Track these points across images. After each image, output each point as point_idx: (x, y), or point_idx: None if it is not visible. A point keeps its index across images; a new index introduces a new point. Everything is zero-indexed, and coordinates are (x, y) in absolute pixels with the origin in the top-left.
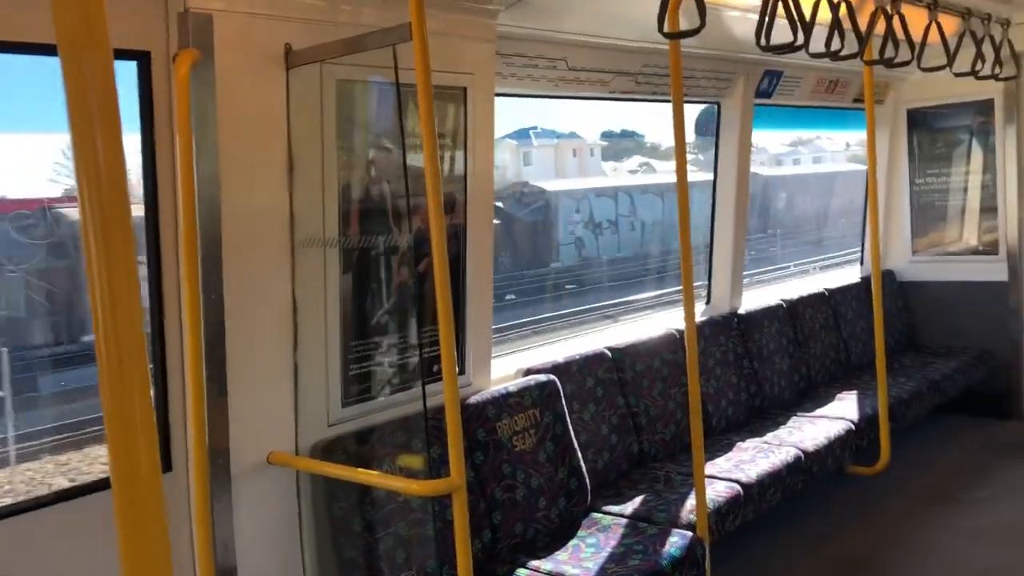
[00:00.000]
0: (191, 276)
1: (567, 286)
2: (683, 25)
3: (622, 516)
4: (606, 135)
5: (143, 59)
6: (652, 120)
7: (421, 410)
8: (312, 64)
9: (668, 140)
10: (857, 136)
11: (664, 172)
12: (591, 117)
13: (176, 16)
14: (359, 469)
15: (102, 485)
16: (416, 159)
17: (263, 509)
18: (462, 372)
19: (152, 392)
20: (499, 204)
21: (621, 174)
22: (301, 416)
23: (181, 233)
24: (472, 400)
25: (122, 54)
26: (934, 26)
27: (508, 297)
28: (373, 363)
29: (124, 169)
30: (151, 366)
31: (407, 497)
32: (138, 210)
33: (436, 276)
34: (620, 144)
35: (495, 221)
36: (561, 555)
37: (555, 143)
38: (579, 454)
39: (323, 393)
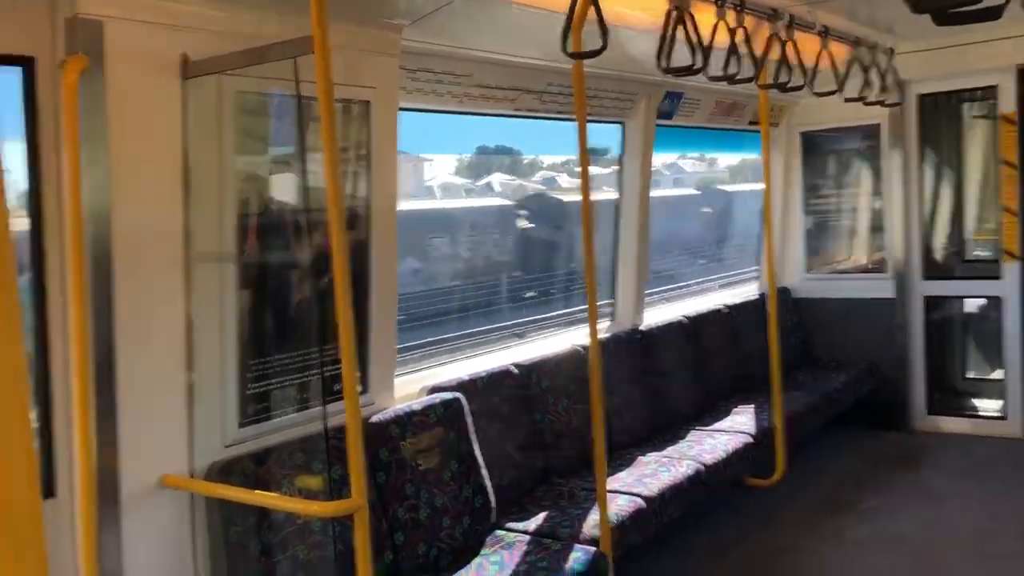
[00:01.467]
0: (78, 293)
1: None
2: (586, 46)
3: (526, 533)
4: (480, 149)
5: (27, 65)
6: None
7: (321, 430)
8: (210, 75)
9: (549, 159)
10: (724, 160)
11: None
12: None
13: (64, 22)
14: (257, 491)
15: None
16: (317, 173)
17: (154, 535)
18: (365, 390)
19: (35, 413)
20: None
21: (456, 192)
22: (196, 437)
23: (68, 248)
24: (375, 419)
25: (4, 59)
26: (825, 53)
27: None
28: (272, 382)
29: (1, 179)
30: (32, 385)
31: (306, 519)
32: (22, 224)
33: (337, 293)
34: (490, 160)
35: None
36: (465, 574)
37: None
38: (484, 472)
39: (219, 413)
